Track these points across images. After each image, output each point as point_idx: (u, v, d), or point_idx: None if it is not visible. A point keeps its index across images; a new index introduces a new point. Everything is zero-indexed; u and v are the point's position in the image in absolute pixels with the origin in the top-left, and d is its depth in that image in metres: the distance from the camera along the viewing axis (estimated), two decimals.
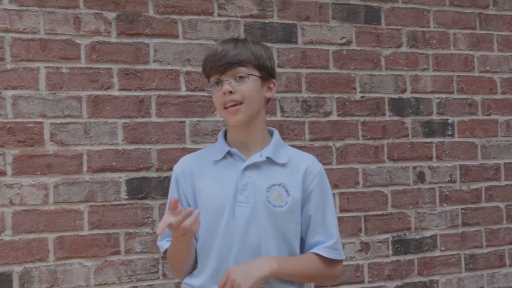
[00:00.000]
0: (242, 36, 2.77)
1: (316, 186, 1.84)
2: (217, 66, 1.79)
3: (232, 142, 1.86)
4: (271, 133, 1.91)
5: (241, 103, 1.79)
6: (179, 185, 1.87)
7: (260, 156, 1.82)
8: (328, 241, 1.83)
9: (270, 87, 1.88)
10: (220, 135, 1.90)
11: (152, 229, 2.58)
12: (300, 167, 1.85)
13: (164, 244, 1.86)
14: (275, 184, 1.80)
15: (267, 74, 1.85)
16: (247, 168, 1.81)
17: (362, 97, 2.98)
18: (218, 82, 1.81)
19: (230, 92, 1.78)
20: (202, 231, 1.81)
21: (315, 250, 1.83)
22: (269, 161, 1.83)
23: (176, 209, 1.66)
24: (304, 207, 1.83)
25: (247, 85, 1.79)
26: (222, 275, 1.74)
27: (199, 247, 1.82)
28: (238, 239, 1.76)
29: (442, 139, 3.13)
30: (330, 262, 1.84)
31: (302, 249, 1.87)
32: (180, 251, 1.79)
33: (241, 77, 1.79)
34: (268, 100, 1.91)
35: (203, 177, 1.84)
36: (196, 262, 1.85)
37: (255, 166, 1.81)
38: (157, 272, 2.58)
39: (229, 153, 1.84)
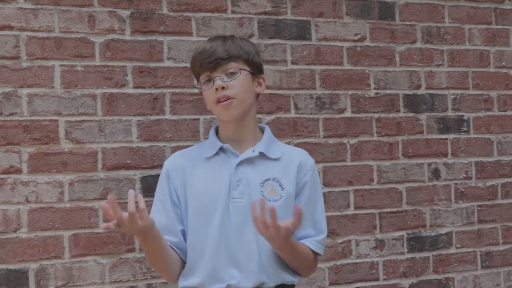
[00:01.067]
0: (256, 33, 2.76)
1: (309, 180, 1.85)
2: (207, 63, 1.78)
3: (224, 138, 1.85)
4: (262, 130, 1.90)
5: (233, 99, 1.77)
6: (170, 180, 1.85)
7: (253, 151, 1.81)
8: (318, 235, 1.85)
9: (260, 82, 1.87)
10: (212, 132, 1.88)
11: None
12: (293, 161, 1.84)
13: None
14: (269, 179, 1.80)
15: (256, 69, 1.85)
16: (240, 163, 1.80)
17: (376, 93, 2.97)
18: (210, 79, 1.79)
19: (223, 88, 1.76)
20: (193, 227, 1.79)
21: (306, 242, 1.83)
22: (262, 156, 1.82)
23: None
24: (295, 200, 1.83)
25: (238, 80, 1.78)
26: (220, 271, 1.73)
27: (189, 243, 1.79)
28: (234, 234, 1.75)
29: (457, 136, 3.10)
30: (315, 255, 1.86)
31: None
32: (154, 252, 1.74)
33: (232, 72, 1.78)
34: (258, 95, 1.90)
35: (195, 174, 1.82)
36: (182, 260, 1.82)
37: (249, 161, 1.81)
38: None
39: (221, 149, 1.82)
